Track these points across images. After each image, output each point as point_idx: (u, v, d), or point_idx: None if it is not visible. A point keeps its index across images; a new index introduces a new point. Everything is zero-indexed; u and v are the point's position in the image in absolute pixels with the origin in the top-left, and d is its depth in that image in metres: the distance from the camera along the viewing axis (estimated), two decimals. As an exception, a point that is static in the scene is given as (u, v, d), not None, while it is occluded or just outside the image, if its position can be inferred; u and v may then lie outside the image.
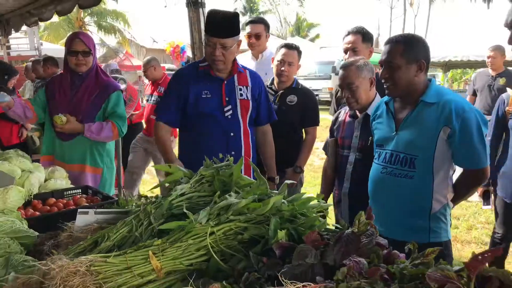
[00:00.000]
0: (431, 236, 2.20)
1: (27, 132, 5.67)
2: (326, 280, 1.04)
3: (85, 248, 1.36)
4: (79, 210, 1.61)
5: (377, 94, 2.78)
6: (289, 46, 3.36)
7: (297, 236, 1.27)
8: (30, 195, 2.43)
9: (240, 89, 2.80)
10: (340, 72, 2.74)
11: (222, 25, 2.60)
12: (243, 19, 49.23)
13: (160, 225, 1.31)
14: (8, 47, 10.08)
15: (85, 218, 1.56)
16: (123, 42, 23.67)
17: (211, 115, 2.71)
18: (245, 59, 4.10)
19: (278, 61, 3.32)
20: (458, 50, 15.22)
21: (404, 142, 2.25)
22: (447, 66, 18.27)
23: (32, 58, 8.86)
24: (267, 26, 4.06)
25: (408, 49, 2.23)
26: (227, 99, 2.74)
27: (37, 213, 2.24)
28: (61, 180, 2.76)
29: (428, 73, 2.42)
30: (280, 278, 1.00)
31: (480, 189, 3.67)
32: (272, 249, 1.20)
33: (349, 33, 3.18)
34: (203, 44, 2.81)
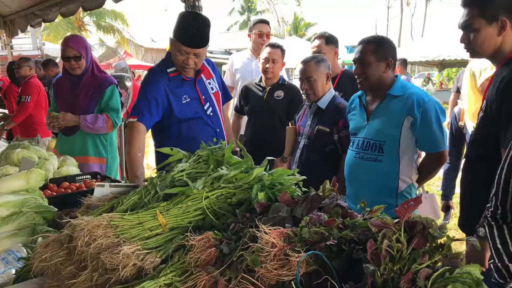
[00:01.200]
0: None
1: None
2: (293, 227, 1.35)
3: (103, 211, 1.66)
4: (97, 183, 1.92)
5: (331, 89, 3.13)
6: (272, 45, 3.69)
7: (274, 198, 1.59)
8: (46, 179, 2.74)
9: (210, 83, 2.94)
10: (301, 66, 3.08)
11: (198, 36, 2.64)
12: (241, 18, 49.50)
13: (165, 192, 1.61)
14: (12, 47, 10.39)
15: (102, 190, 1.86)
16: (122, 42, 23.95)
17: (196, 117, 2.79)
18: (243, 57, 4.39)
19: (263, 59, 3.66)
20: (454, 49, 15.49)
21: (373, 130, 2.58)
22: (442, 65, 18.46)
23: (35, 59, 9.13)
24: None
25: (379, 48, 2.56)
26: (203, 97, 2.85)
27: (54, 193, 2.55)
28: (72, 167, 3.08)
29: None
30: (257, 223, 1.31)
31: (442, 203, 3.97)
32: (254, 208, 1.51)
33: (315, 38, 3.57)
34: (173, 49, 2.71)
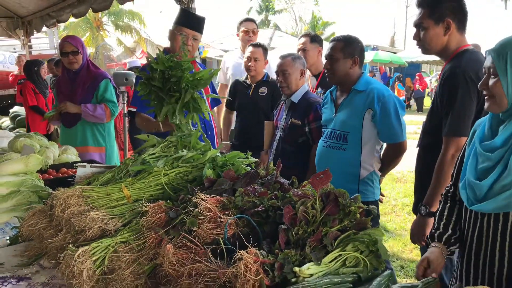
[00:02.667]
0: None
1: (55, 126, 6.39)
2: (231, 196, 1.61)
3: (81, 186, 1.94)
4: (79, 164, 2.21)
5: (305, 85, 3.38)
6: (254, 45, 3.97)
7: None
8: (47, 166, 3.05)
9: None
10: (278, 61, 3.35)
11: (198, 22, 3.05)
12: (259, 18, 49.72)
13: (131, 169, 1.88)
14: (30, 47, 10.87)
15: (84, 170, 2.14)
16: (139, 41, 24.43)
17: None
18: (234, 56, 4.66)
19: (246, 58, 3.95)
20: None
21: (339, 121, 2.82)
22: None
23: (49, 58, 9.57)
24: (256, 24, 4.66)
25: (346, 46, 2.79)
26: None
27: (51, 177, 2.86)
28: (72, 156, 3.38)
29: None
30: (197, 193, 1.57)
31: None
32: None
33: (300, 37, 3.82)
34: (174, 34, 3.02)
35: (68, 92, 3.82)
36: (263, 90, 3.96)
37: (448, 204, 1.84)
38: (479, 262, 1.64)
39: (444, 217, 1.82)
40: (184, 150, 1.96)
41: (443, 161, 2.25)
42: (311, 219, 1.49)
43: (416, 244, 2.51)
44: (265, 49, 3.97)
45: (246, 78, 4.05)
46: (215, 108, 3.95)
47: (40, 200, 2.46)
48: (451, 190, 1.85)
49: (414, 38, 2.44)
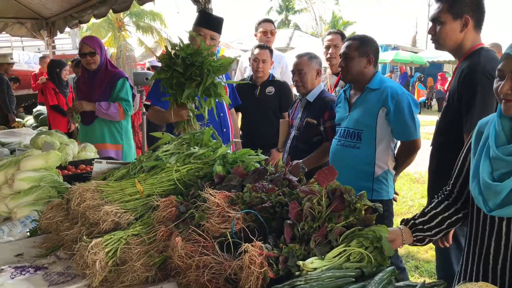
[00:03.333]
0: (373, 194, 2.76)
1: (76, 124, 6.56)
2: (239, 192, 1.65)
3: (96, 181, 2.01)
4: (95, 160, 2.28)
5: (321, 84, 3.40)
6: (261, 47, 4.00)
7: (233, 172, 1.89)
8: (66, 162, 3.15)
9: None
10: (295, 60, 3.37)
11: (216, 23, 3.12)
12: (279, 18, 49.70)
13: (144, 165, 1.94)
14: (54, 47, 11.13)
15: (100, 166, 2.21)
16: (160, 42, 24.72)
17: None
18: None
19: (253, 59, 3.99)
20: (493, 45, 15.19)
21: (353, 120, 2.84)
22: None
23: (72, 58, 9.77)
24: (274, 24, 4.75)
25: (362, 45, 2.81)
26: None
27: (70, 173, 2.95)
28: (90, 153, 3.48)
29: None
30: (206, 188, 1.61)
31: None
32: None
33: (330, 33, 3.81)
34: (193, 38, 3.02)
35: (87, 91, 3.93)
36: (270, 89, 4.01)
37: (437, 199, 1.83)
38: (497, 266, 1.59)
39: (426, 209, 1.80)
40: (196, 147, 2.01)
41: None
42: (316, 215, 1.52)
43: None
44: (271, 50, 4.03)
45: (251, 78, 4.10)
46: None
47: (58, 195, 2.55)
48: (448, 189, 1.83)
49: (430, 32, 2.44)
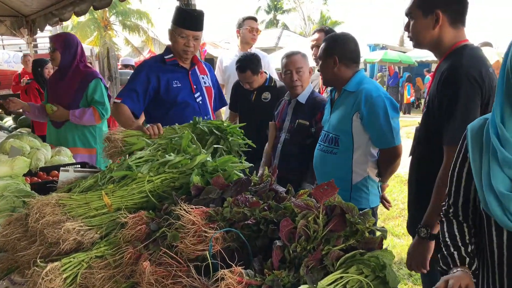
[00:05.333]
0: (351, 203, 2.56)
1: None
2: (218, 207, 1.45)
3: (61, 192, 1.80)
4: (61, 168, 2.06)
5: (310, 84, 3.20)
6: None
7: (214, 183, 1.69)
8: (37, 168, 2.92)
9: (203, 78, 3.11)
10: (287, 59, 3.15)
11: (197, 21, 2.92)
12: (267, 17, 49.61)
13: (112, 175, 1.73)
14: (35, 46, 10.82)
15: (67, 175, 2.00)
16: (147, 41, 24.40)
17: (185, 102, 2.94)
18: (231, 54, 4.46)
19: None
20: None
21: (332, 124, 2.67)
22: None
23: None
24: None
25: (328, 46, 2.64)
26: (195, 86, 3.02)
27: (40, 180, 2.72)
28: (64, 157, 3.25)
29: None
30: (180, 203, 1.41)
31: None
32: (192, 191, 1.61)
33: (314, 32, 3.61)
34: (174, 36, 2.94)
35: (56, 91, 3.71)
36: (266, 95, 3.72)
37: (456, 225, 1.62)
38: None
39: (459, 239, 1.57)
40: (172, 154, 1.81)
41: (445, 174, 1.90)
42: (312, 235, 1.32)
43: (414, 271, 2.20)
44: (258, 60, 3.68)
45: None
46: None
47: (24, 205, 2.33)
48: (451, 210, 1.63)
49: (405, 29, 2.20)
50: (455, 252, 1.56)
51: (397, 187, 6.89)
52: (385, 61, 19.73)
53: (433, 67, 25.33)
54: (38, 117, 3.98)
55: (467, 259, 1.52)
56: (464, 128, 1.63)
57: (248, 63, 3.60)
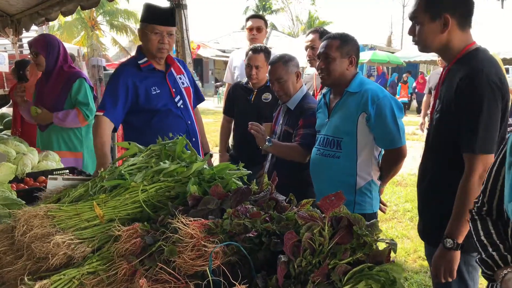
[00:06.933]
0: (356, 208, 2.51)
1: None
2: (218, 218, 1.37)
3: (50, 203, 1.71)
4: (49, 176, 1.97)
5: (303, 87, 3.10)
6: (255, 50, 3.53)
7: (211, 192, 1.61)
8: (23, 174, 2.81)
9: (180, 78, 2.97)
10: (269, 68, 3.05)
11: (170, 16, 2.82)
12: (255, 18, 49.45)
13: (103, 184, 1.65)
14: (21, 46, 10.59)
15: (55, 183, 1.91)
16: (135, 41, 24.18)
17: (167, 109, 2.81)
18: (241, 55, 4.32)
19: (246, 64, 3.58)
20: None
21: (332, 127, 2.59)
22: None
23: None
24: (265, 21, 4.43)
25: (343, 44, 2.55)
26: (174, 90, 2.87)
27: (27, 187, 2.61)
28: (52, 162, 3.14)
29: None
30: (177, 214, 1.33)
31: None
32: (189, 201, 1.53)
33: (309, 33, 3.53)
34: (146, 35, 2.78)
35: (43, 92, 3.62)
36: (267, 96, 3.60)
37: (490, 222, 1.55)
38: None
39: (496, 236, 1.50)
40: (166, 161, 1.73)
41: (469, 183, 1.90)
42: (317, 248, 1.25)
43: (444, 279, 2.06)
44: (267, 53, 3.56)
45: (247, 82, 3.72)
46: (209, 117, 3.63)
47: (10, 214, 2.23)
48: (485, 208, 1.57)
49: (409, 33, 2.14)
50: (495, 253, 1.48)
51: (390, 189, 6.86)
52: (373, 61, 19.79)
53: (421, 67, 25.46)
54: (30, 119, 3.89)
55: (509, 257, 1.44)
56: (488, 136, 1.67)
57: (263, 48, 3.56)
